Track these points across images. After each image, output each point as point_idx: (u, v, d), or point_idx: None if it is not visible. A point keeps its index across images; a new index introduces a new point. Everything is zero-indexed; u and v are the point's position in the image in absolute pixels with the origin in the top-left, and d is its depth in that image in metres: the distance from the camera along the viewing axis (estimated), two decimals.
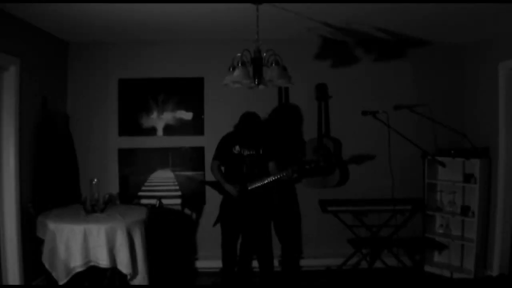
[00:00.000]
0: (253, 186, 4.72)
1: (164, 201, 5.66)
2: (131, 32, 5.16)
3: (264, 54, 3.62)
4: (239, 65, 3.44)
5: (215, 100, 5.68)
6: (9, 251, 4.43)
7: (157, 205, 5.59)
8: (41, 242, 4.24)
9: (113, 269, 4.30)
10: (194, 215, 5.71)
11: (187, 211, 5.71)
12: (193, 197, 5.71)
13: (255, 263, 5.20)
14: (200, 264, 5.69)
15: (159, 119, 5.68)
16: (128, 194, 5.65)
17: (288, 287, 5.21)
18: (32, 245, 4.54)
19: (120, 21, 4.69)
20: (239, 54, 3.51)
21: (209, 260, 5.62)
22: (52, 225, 4.11)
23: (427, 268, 5.43)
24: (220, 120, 5.66)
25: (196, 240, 5.73)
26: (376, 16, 4.49)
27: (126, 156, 5.66)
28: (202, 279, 5.44)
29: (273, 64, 3.54)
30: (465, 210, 5.17)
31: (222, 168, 4.97)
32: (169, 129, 5.69)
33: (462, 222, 5.37)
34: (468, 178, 5.16)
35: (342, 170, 5.41)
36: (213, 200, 5.59)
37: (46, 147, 4.97)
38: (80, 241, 4.04)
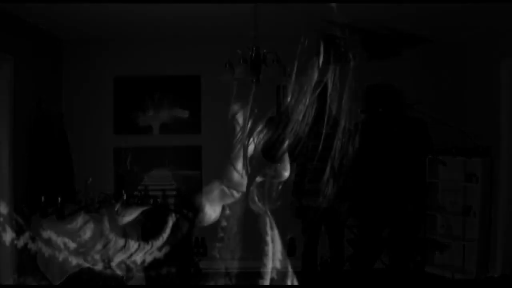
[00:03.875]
0: None
1: (160, 201, 5.58)
2: (126, 30, 5.10)
3: (264, 51, 3.54)
4: (241, 62, 3.37)
5: (212, 98, 5.59)
6: (2, 252, 4.34)
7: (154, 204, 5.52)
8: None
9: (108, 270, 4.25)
10: (190, 215, 5.63)
11: (183, 210, 5.64)
12: (190, 196, 5.62)
13: None
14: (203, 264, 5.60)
15: (155, 118, 5.60)
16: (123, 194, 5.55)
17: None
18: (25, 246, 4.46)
19: (116, 19, 4.65)
20: (239, 51, 3.43)
21: (211, 261, 5.56)
22: (46, 226, 4.04)
23: (428, 269, 5.37)
24: (217, 119, 5.58)
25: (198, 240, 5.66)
26: (377, 13, 4.42)
27: (121, 155, 5.57)
28: (204, 279, 5.38)
29: (274, 62, 3.47)
30: (467, 210, 5.11)
31: None
32: (165, 128, 5.60)
33: (463, 222, 5.30)
34: (469, 177, 5.09)
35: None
36: None
37: (41, 146, 4.88)
38: (75, 242, 3.99)
